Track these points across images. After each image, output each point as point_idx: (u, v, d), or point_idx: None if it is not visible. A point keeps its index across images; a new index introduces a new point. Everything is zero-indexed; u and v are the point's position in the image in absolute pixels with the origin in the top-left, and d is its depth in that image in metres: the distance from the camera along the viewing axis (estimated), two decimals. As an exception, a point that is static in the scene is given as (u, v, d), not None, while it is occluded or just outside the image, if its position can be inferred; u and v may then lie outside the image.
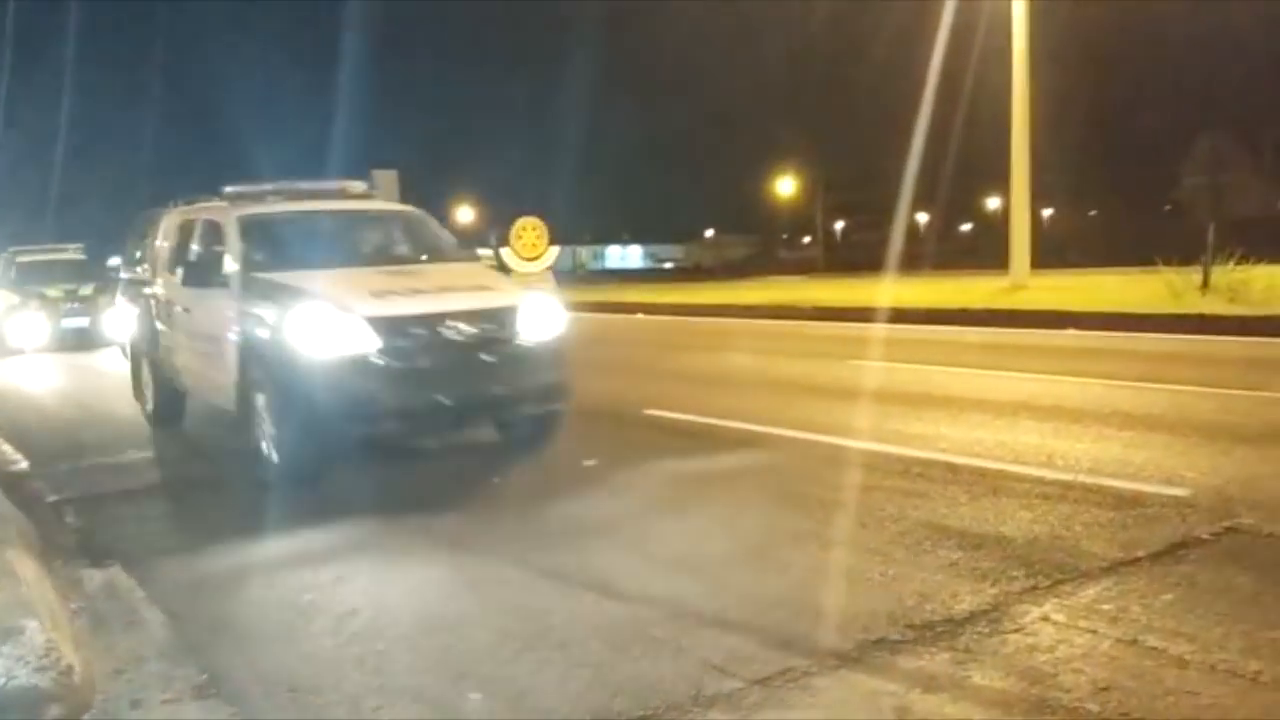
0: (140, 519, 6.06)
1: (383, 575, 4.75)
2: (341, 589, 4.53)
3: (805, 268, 53.65)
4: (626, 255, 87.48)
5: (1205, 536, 4.65)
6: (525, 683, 3.47)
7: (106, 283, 18.68)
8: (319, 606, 4.32)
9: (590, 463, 6.75)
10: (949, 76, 20.11)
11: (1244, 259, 15.24)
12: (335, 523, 5.62)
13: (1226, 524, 4.80)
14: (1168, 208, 41.15)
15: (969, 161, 34.64)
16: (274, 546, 5.26)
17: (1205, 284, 14.88)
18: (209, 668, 3.65)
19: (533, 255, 39.68)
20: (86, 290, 19.35)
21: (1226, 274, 14.95)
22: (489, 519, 5.64)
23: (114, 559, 4.97)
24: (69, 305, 19.14)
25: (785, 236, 76.48)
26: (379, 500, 6.10)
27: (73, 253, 21.69)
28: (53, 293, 19.16)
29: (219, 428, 8.02)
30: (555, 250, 38.26)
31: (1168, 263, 15.69)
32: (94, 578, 4.71)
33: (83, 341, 18.46)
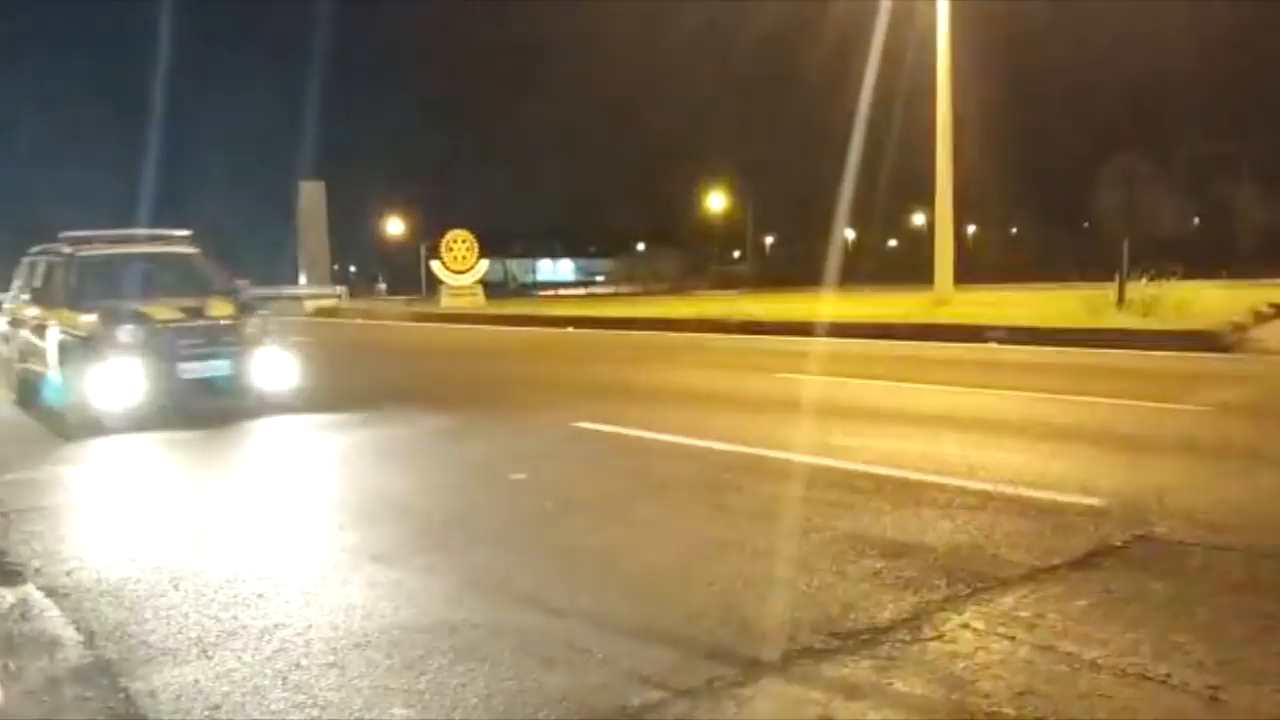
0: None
1: (304, 590, 4.68)
2: (263, 604, 4.45)
3: (733, 282, 54.17)
4: (558, 269, 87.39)
5: (1119, 544, 4.78)
6: (451, 698, 3.44)
7: (248, 298, 11.20)
8: (241, 623, 4.24)
9: (518, 476, 6.74)
10: (878, 98, 20.51)
11: (1157, 276, 15.72)
12: (256, 535, 5.52)
13: (1139, 532, 4.94)
14: (1086, 225, 42.28)
15: (896, 179, 35.28)
16: (192, 560, 5.15)
17: (1121, 300, 15.32)
18: (126, 688, 3.57)
19: (463, 268, 39.53)
20: (221, 308, 10.33)
21: (1141, 290, 15.41)
22: (411, 532, 5.59)
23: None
24: (188, 337, 9.84)
25: (715, 251, 77.07)
26: (291, 512, 6.01)
27: (175, 243, 12.01)
28: (161, 313, 9.94)
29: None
30: (485, 263, 38.24)
31: (1085, 279, 16.14)
32: (5, 598, 4.57)
33: (219, 406, 10.02)
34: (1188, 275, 16.42)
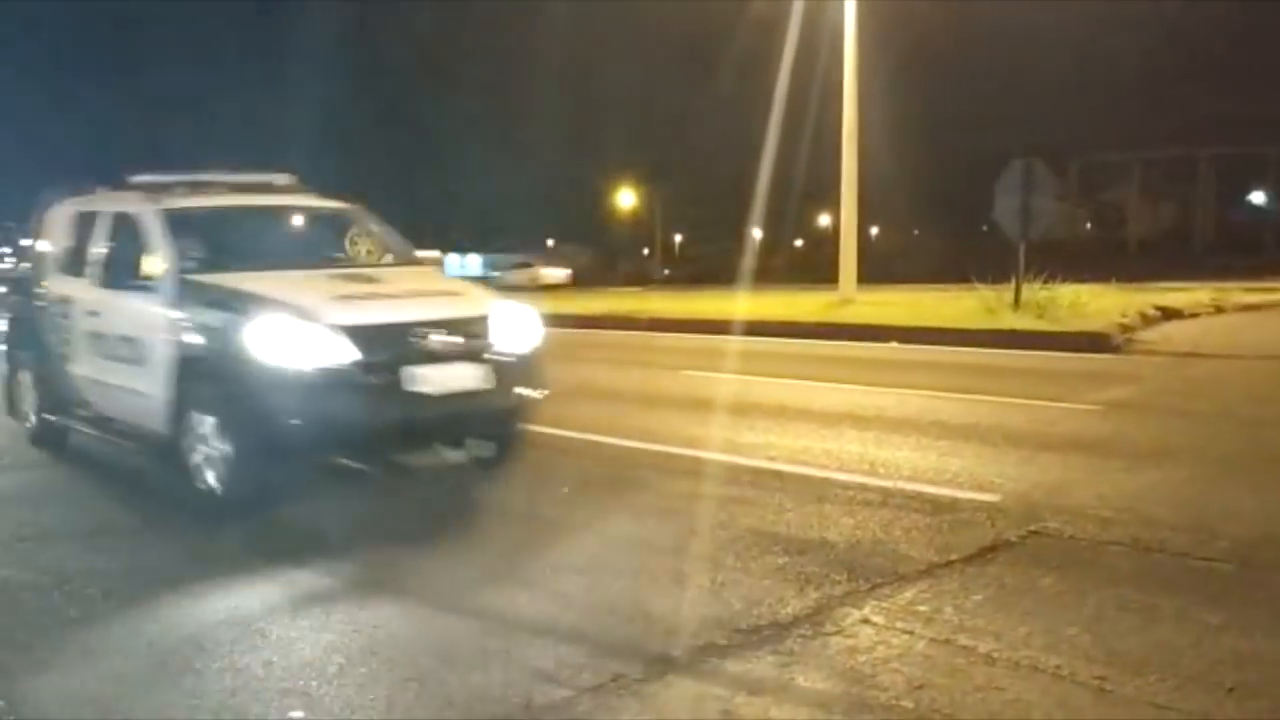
0: None
1: (203, 590, 4.55)
2: (157, 605, 4.32)
3: (643, 279, 54.32)
4: (466, 264, 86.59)
5: (1013, 539, 4.92)
6: (351, 698, 3.39)
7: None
8: (129, 624, 4.11)
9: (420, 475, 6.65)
10: (786, 100, 20.73)
11: (1051, 278, 16.18)
12: (136, 542, 5.37)
13: (1033, 527, 5.09)
14: (985, 228, 43.41)
15: (802, 180, 35.76)
16: (82, 562, 4.97)
17: (1017, 301, 15.71)
18: (7, 694, 3.44)
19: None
20: (448, 288, 7.00)
21: (1035, 292, 15.84)
22: (315, 533, 5.48)
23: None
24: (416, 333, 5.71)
25: (626, 247, 77.18)
26: (196, 508, 5.85)
27: (298, 193, 8.02)
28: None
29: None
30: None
31: (983, 280, 16.54)
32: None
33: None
34: (1080, 279, 16.92)
